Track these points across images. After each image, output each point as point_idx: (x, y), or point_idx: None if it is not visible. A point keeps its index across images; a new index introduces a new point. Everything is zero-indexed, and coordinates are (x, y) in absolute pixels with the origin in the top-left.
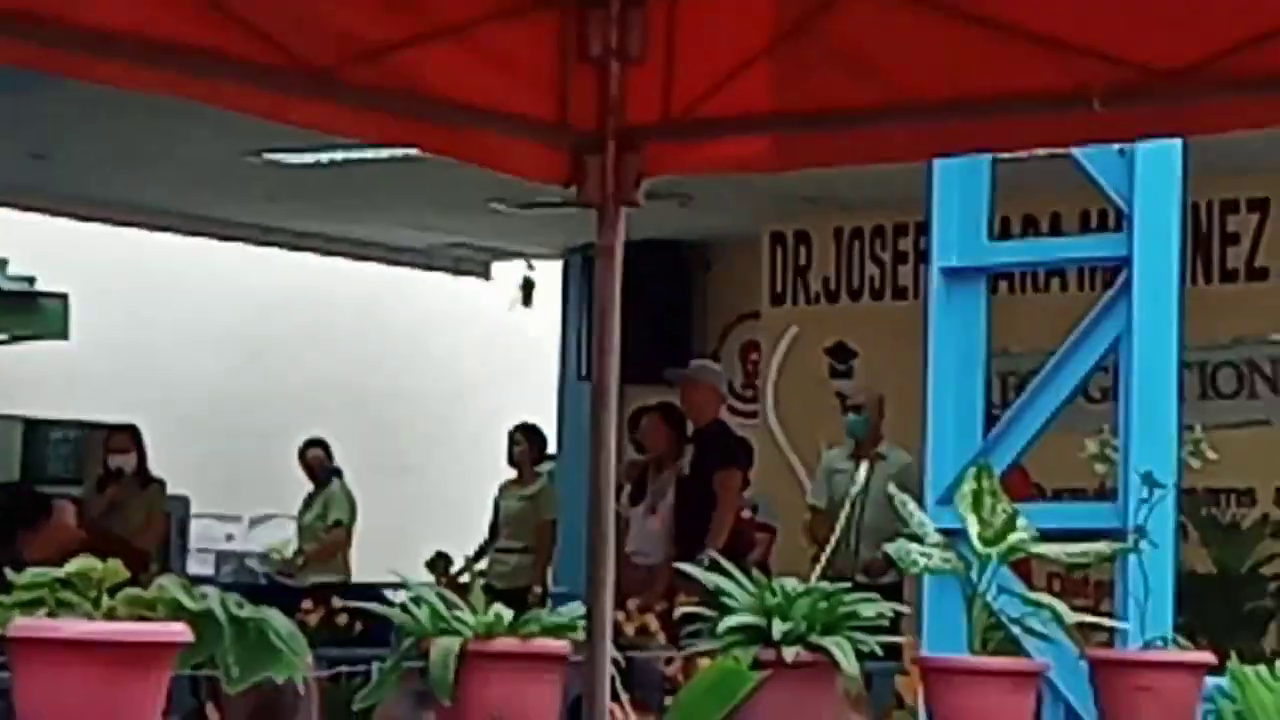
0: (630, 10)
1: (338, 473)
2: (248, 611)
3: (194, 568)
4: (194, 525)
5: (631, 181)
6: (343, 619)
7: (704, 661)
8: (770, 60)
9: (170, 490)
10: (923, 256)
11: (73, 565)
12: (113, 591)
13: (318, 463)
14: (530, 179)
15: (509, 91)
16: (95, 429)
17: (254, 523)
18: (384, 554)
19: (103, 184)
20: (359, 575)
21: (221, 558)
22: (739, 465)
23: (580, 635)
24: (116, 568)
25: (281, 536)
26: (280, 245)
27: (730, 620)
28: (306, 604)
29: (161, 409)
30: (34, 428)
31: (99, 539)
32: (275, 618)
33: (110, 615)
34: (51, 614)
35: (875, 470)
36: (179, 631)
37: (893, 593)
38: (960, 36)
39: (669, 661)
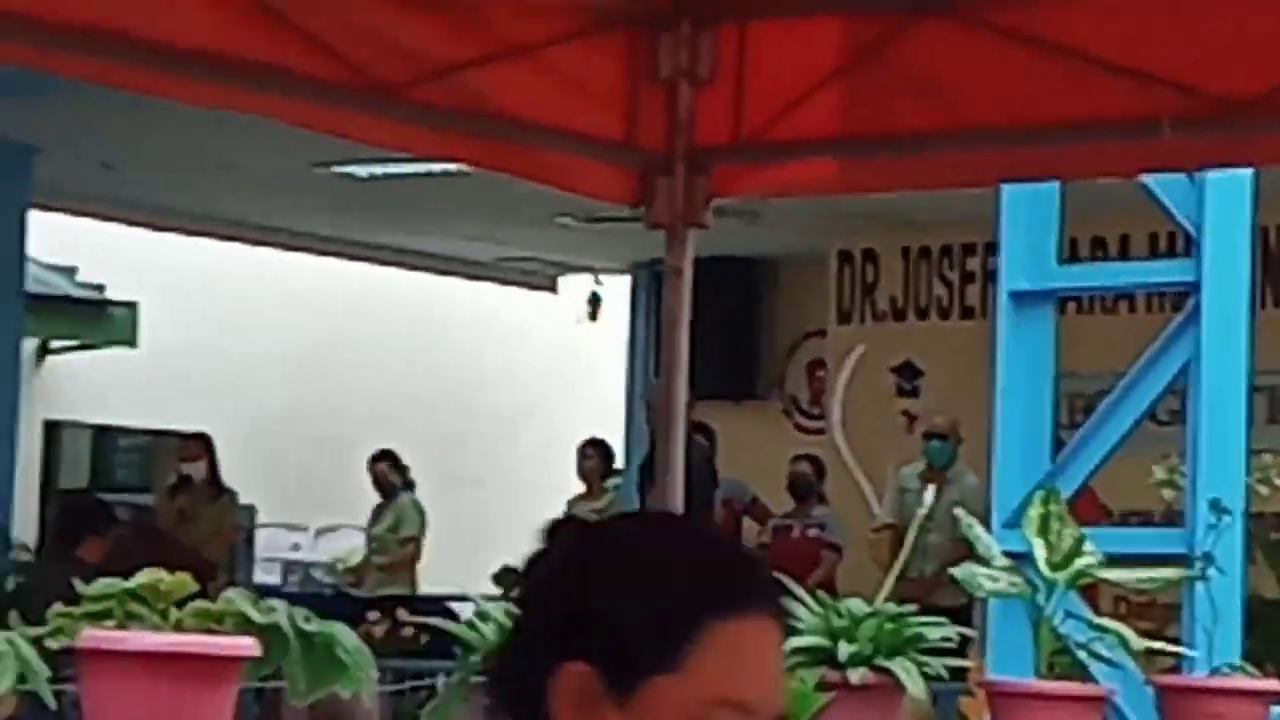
0: (701, 33)
1: (410, 485)
2: (315, 625)
3: (260, 577)
4: (261, 534)
5: (700, 203)
6: (409, 631)
7: None
8: (840, 84)
9: None
10: (990, 276)
11: (141, 577)
12: (181, 604)
13: (384, 475)
14: (599, 199)
15: (578, 112)
16: (163, 436)
17: (320, 533)
18: (450, 566)
19: (172, 194)
20: (425, 587)
21: (288, 567)
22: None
23: None
24: (184, 580)
25: (347, 546)
26: (349, 257)
27: (796, 641)
28: (372, 615)
29: (228, 418)
30: (103, 435)
31: (167, 549)
32: (342, 632)
33: (178, 627)
34: (120, 625)
35: (943, 493)
36: (247, 645)
37: (959, 616)
38: (1030, 63)
39: None
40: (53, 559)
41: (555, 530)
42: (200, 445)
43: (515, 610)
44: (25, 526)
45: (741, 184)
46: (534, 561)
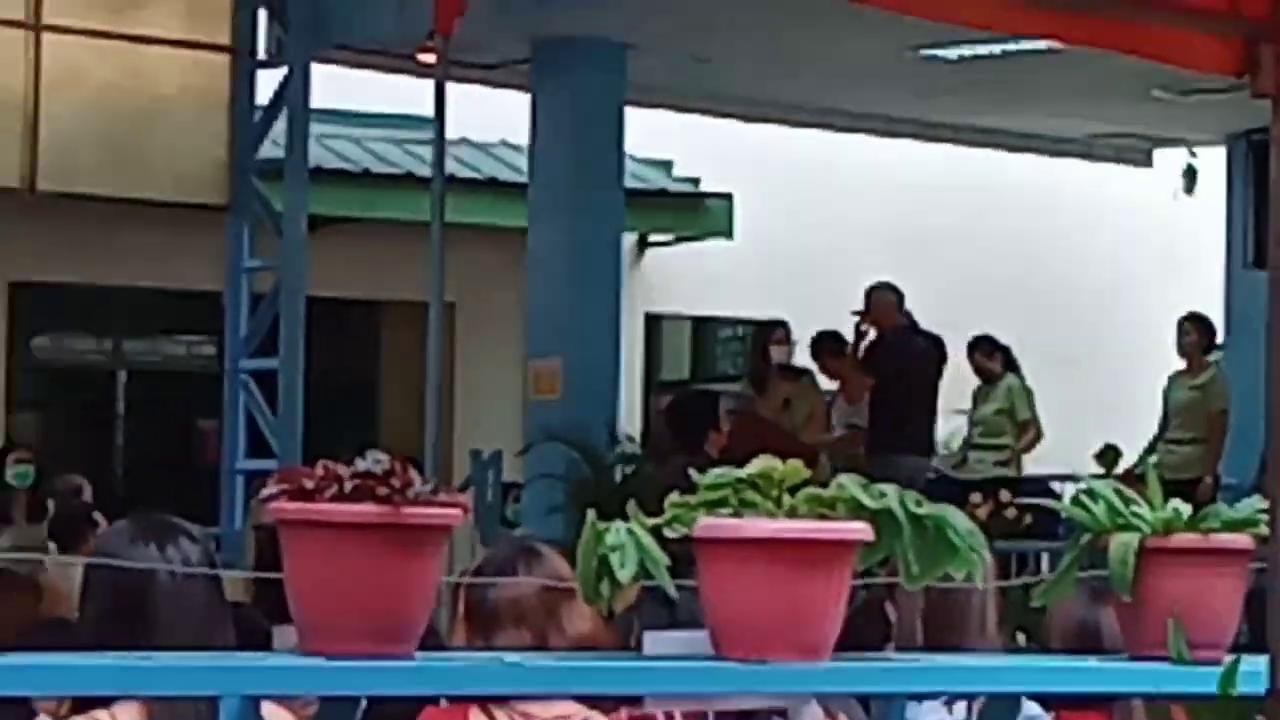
0: None
1: (1013, 367)
2: (925, 509)
3: None
4: None
5: None
6: (1011, 512)
7: None
8: None
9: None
10: None
11: (755, 466)
12: (793, 490)
13: (982, 360)
14: (1200, 70)
15: None
16: (761, 326)
17: None
18: (1050, 446)
19: (764, 84)
20: (1027, 468)
21: None
22: None
23: (1262, 530)
24: (797, 467)
25: (948, 430)
26: (940, 140)
27: None
28: (975, 497)
29: (827, 306)
30: (702, 326)
31: (774, 436)
32: (953, 515)
33: (792, 514)
34: (735, 513)
35: None
36: (860, 530)
37: None
38: None
39: None
40: (676, 451)
41: None
42: (784, 330)
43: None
44: (630, 419)
45: None
46: None
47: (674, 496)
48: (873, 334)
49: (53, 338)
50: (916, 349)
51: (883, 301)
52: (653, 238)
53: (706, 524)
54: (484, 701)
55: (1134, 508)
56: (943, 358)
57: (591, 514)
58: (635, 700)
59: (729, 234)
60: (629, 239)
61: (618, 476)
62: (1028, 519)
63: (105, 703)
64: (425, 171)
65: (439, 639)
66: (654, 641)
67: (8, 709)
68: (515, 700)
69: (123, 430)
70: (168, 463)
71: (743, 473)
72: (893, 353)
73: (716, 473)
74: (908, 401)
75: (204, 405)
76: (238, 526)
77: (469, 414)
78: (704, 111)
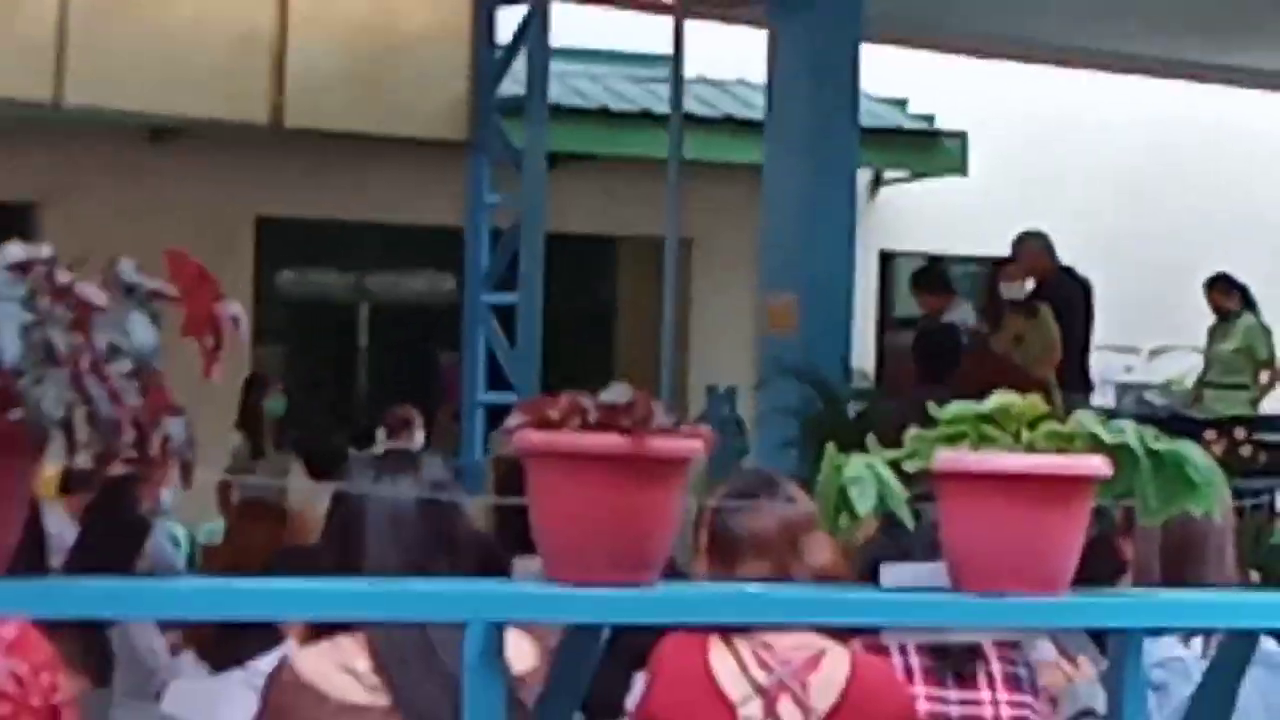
0: None
1: (1251, 305)
2: (1164, 445)
3: (1095, 399)
4: (1093, 357)
5: None
6: (1246, 450)
7: None
8: None
9: None
10: None
11: (993, 400)
12: (1031, 425)
13: (1219, 299)
14: None
15: None
16: (995, 262)
17: (1153, 354)
18: None
19: (999, 21)
20: (1264, 407)
21: (1121, 390)
22: None
23: None
24: (1035, 402)
25: (1181, 368)
26: (1177, 76)
27: None
28: (1209, 434)
29: (1060, 243)
30: (936, 263)
31: (1007, 371)
32: (1193, 451)
33: (1031, 448)
34: (974, 447)
35: None
36: (1098, 465)
37: None
38: None
39: None
40: (920, 382)
41: None
42: (1018, 267)
43: None
44: (864, 355)
45: None
46: None
47: (913, 431)
48: (1030, 283)
49: (297, 272)
50: (1075, 291)
51: (1033, 249)
52: (887, 175)
53: (946, 457)
54: (724, 630)
55: None
56: (1090, 299)
57: (830, 447)
58: (871, 631)
59: (963, 171)
60: (863, 176)
61: (851, 412)
62: (1262, 457)
63: (346, 628)
64: (663, 109)
65: (678, 571)
66: (891, 574)
67: (259, 633)
68: (754, 630)
69: (365, 363)
70: (409, 395)
71: (982, 407)
72: (1055, 296)
73: (956, 407)
74: (1072, 342)
75: (444, 338)
76: (478, 458)
77: (702, 349)
78: (939, 49)
